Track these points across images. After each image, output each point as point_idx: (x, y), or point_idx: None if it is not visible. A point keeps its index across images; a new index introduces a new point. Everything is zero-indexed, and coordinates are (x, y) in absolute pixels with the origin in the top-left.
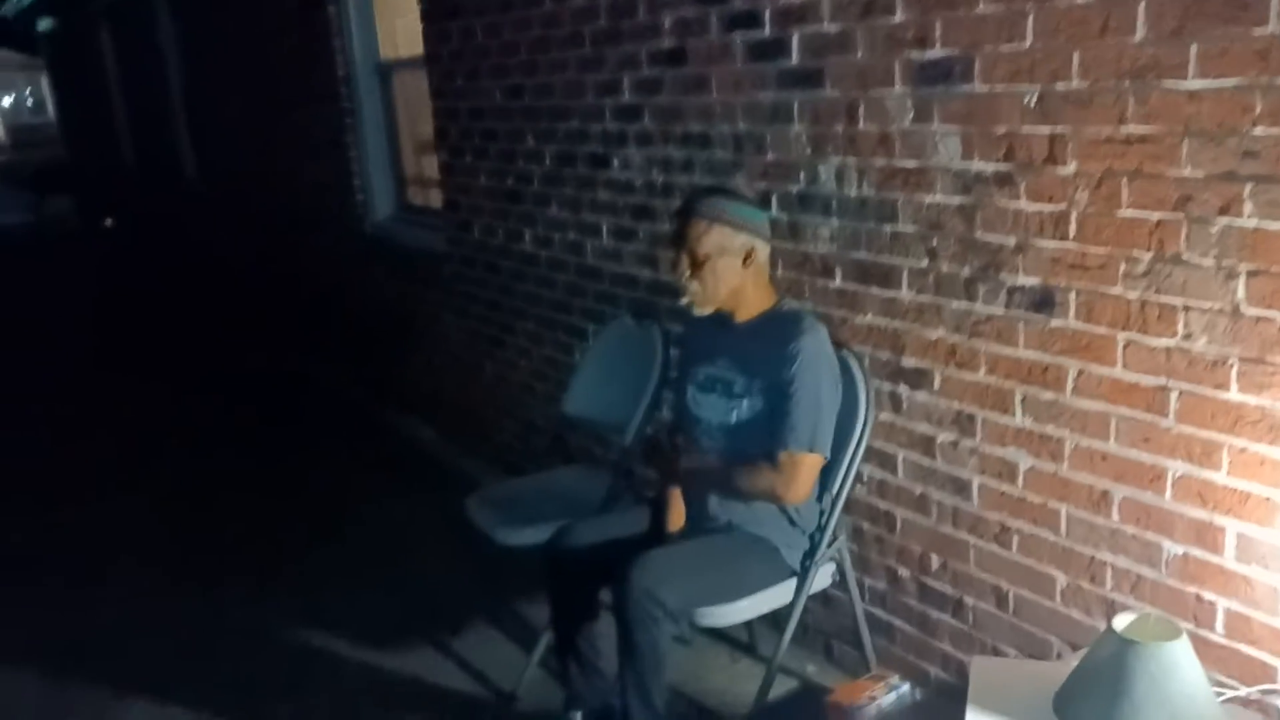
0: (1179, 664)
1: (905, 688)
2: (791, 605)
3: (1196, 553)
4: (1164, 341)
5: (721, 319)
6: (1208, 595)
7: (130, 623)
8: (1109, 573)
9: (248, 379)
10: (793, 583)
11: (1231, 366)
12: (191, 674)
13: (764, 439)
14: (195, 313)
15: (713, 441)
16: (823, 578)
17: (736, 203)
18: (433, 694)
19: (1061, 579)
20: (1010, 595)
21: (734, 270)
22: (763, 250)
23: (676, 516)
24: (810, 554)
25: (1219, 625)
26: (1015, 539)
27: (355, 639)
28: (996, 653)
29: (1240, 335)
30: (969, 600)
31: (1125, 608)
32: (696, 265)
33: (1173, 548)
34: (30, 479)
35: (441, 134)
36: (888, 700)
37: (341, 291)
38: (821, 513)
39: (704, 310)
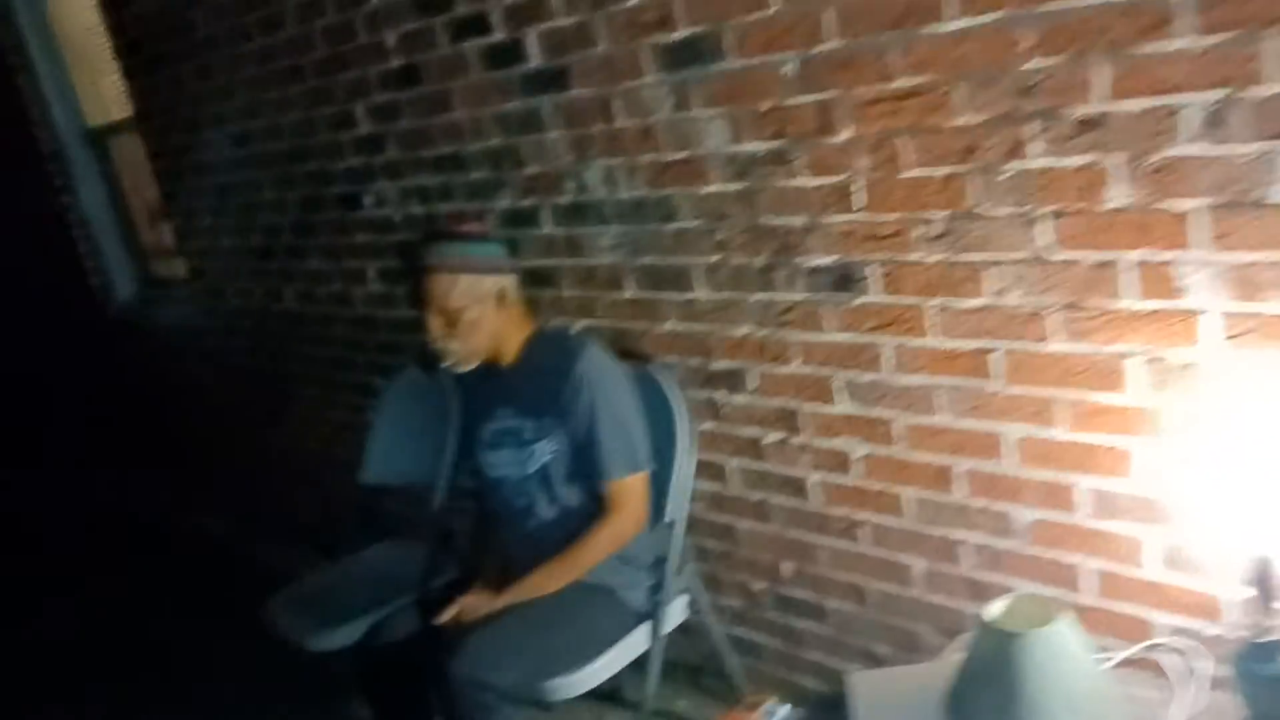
0: (1066, 645)
1: (784, 710)
2: (650, 650)
3: (1050, 515)
4: (975, 301)
5: (488, 367)
6: (1068, 558)
7: None
8: (964, 551)
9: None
10: (644, 626)
11: (1049, 317)
12: None
13: (573, 476)
14: None
15: (522, 498)
16: (677, 612)
17: (472, 243)
18: None
19: (918, 565)
20: (869, 591)
21: (490, 316)
22: (512, 284)
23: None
24: (657, 589)
25: (1086, 587)
26: (862, 531)
27: None
28: (868, 653)
29: (1053, 282)
30: (829, 603)
31: (988, 585)
32: (450, 322)
33: (1024, 514)
34: None
35: (170, 197)
36: None
37: (92, 387)
38: (657, 543)
39: (470, 366)
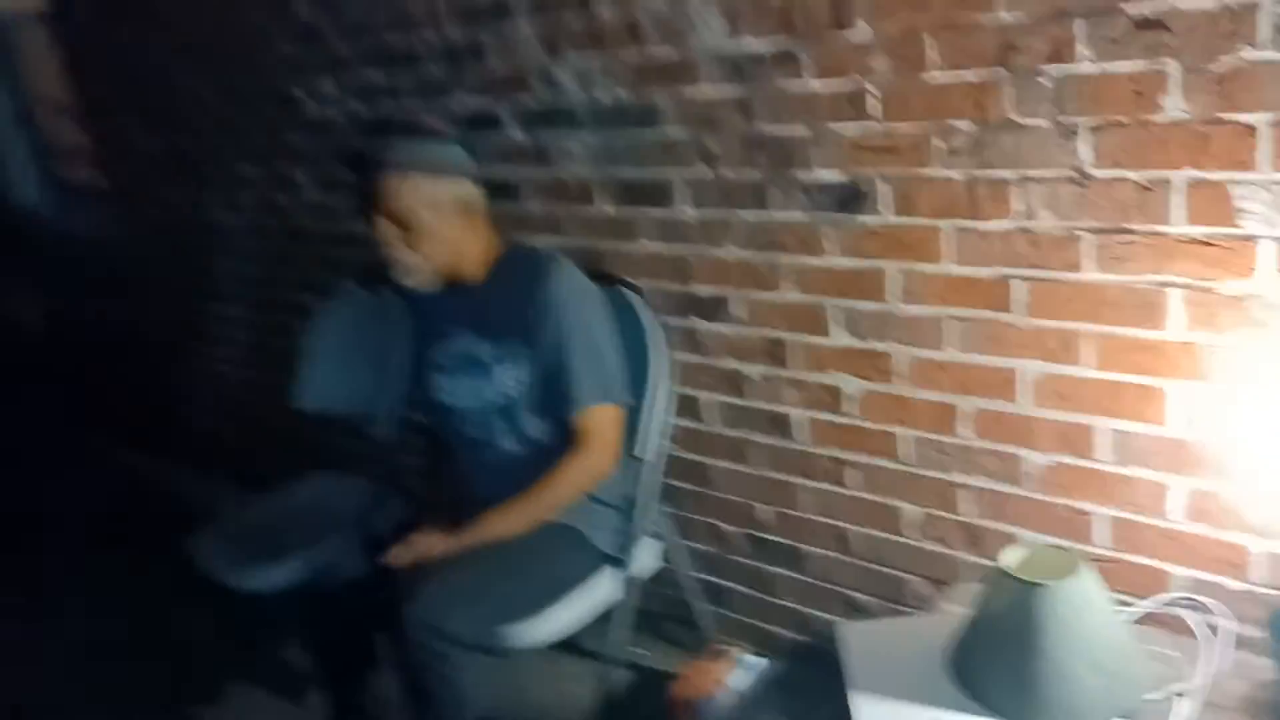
0: (1089, 598)
1: (755, 660)
2: (616, 596)
3: (1066, 460)
4: (1000, 224)
5: (445, 285)
6: (1083, 505)
7: None
8: (964, 496)
9: None
10: (610, 570)
11: (1084, 241)
12: None
13: (538, 407)
14: None
15: (479, 429)
16: (648, 558)
17: (429, 142)
18: None
19: (909, 510)
20: (854, 536)
21: (451, 225)
22: (475, 190)
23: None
24: (625, 531)
25: (1100, 536)
26: (850, 473)
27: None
28: (847, 602)
29: (1090, 203)
30: (806, 548)
31: (988, 533)
32: (405, 231)
33: (1036, 458)
34: None
35: (81, 93)
36: (739, 680)
37: None
38: (628, 482)
39: (427, 284)
